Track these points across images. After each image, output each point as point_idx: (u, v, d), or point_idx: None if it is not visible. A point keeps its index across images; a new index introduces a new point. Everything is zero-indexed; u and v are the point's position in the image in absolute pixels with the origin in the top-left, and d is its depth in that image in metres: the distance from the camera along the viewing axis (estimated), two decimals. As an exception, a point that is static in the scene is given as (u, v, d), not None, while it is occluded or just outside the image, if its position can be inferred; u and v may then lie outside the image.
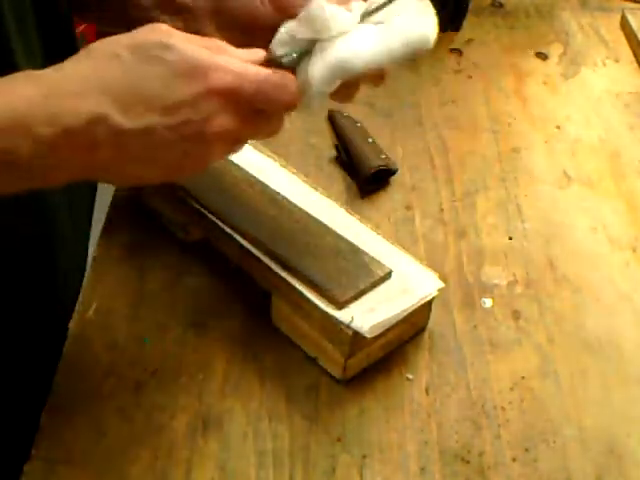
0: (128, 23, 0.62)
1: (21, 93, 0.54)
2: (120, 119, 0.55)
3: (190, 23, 0.72)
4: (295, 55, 0.62)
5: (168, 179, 0.61)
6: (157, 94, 0.56)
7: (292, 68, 0.62)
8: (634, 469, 0.67)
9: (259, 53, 0.62)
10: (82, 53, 0.57)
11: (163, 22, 0.70)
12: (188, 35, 0.59)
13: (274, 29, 0.64)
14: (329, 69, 0.62)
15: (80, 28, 0.83)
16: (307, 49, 0.62)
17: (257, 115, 0.60)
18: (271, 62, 0.61)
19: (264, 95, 0.58)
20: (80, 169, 0.57)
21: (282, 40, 0.63)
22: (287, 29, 0.63)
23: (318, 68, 0.62)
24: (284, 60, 0.62)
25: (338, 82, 0.63)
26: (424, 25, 0.64)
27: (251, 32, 0.71)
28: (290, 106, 0.60)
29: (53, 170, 0.56)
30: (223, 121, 0.57)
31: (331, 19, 0.62)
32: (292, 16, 0.63)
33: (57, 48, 0.72)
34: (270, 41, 0.64)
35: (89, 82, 0.55)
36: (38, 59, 0.70)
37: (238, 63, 0.58)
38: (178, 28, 0.62)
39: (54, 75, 0.56)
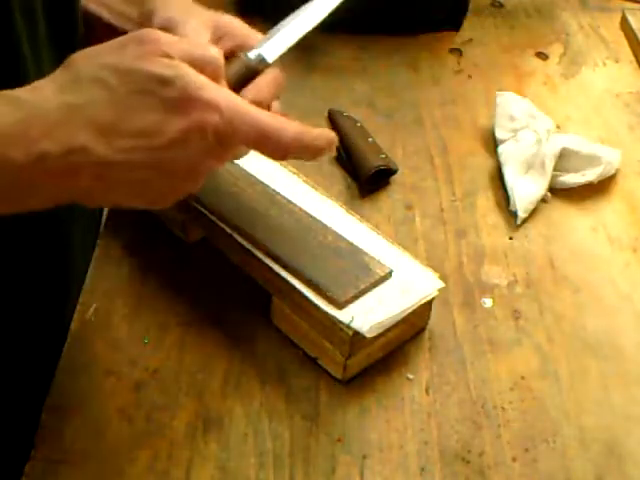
0: None
1: None
2: (103, 150, 0.52)
3: None
4: (264, 57, 0.65)
5: (150, 207, 0.59)
6: (146, 129, 0.53)
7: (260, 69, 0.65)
8: (634, 469, 0.67)
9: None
10: (64, 73, 0.54)
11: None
12: (185, 44, 0.56)
13: None
14: None
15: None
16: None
17: (235, 147, 0.58)
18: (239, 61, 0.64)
19: (262, 138, 0.56)
20: (58, 194, 0.54)
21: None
22: None
23: None
24: (253, 62, 0.65)
25: None
26: None
27: None
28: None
29: (26, 195, 0.53)
30: (210, 161, 0.56)
31: None
32: None
33: (62, 34, 0.71)
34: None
35: (71, 111, 0.52)
36: (44, 47, 0.69)
37: (233, 99, 0.56)
38: None
39: (33, 98, 0.53)
